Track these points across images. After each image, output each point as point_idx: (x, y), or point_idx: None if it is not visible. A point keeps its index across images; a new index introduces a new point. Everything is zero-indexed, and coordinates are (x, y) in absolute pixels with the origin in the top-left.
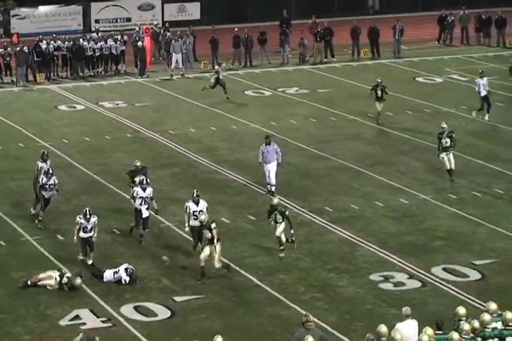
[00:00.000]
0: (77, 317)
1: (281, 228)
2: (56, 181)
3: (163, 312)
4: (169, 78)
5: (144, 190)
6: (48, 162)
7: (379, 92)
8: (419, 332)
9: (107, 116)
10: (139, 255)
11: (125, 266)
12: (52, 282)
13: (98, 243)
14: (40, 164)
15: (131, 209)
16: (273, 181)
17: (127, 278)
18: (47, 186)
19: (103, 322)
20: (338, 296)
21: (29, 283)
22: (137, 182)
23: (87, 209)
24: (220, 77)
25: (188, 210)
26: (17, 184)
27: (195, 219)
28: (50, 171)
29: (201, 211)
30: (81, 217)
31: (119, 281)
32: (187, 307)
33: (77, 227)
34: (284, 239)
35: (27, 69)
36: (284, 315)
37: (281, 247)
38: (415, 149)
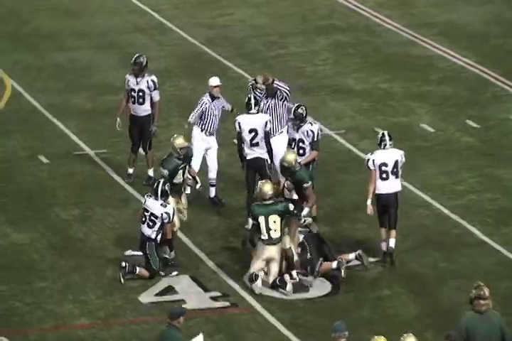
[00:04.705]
0: (169, 289)
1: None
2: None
3: (319, 286)
4: None
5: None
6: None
7: None
8: None
9: None
10: None
11: None
12: None
13: None
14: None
15: None
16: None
17: None
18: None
19: (213, 299)
20: None
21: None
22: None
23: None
24: None
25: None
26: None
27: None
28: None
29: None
30: None
31: None
32: (360, 277)
33: None
34: None
35: None
36: None
37: None
38: None
